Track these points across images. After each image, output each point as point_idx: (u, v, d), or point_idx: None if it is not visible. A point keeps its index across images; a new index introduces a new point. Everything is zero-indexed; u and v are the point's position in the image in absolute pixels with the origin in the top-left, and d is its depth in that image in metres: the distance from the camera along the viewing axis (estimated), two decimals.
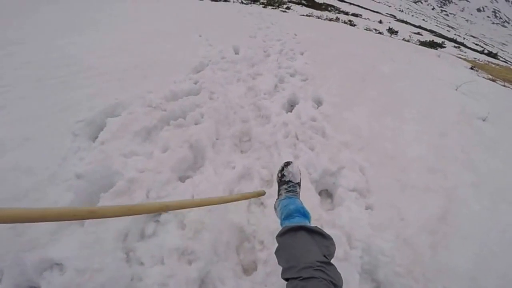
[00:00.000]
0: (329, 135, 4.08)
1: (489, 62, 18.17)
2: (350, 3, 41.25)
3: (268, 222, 2.74)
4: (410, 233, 2.86)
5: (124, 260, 2.28)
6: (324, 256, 1.70)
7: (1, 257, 2.15)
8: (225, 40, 7.41)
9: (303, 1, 25.85)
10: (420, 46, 15.10)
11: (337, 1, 38.59)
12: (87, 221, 2.48)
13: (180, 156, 3.30)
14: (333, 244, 1.89)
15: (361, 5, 45.38)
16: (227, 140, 3.85)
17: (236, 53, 6.84)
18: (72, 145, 3.19)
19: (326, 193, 3.44)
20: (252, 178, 3.35)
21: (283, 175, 2.56)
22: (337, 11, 25.86)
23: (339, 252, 2.54)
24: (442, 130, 4.63)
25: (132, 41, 6.51)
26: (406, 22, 38.54)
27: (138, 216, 2.57)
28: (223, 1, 17.35)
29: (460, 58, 14.54)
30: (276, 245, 1.99)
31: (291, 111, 4.60)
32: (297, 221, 2.05)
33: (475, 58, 18.00)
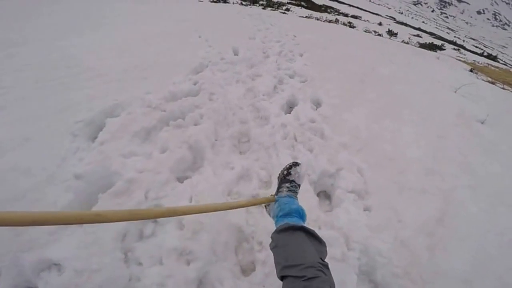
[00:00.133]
0: (327, 136, 4.09)
1: (488, 64, 18.15)
2: (350, 5, 41.27)
3: (267, 223, 2.73)
4: (408, 234, 2.87)
5: (122, 260, 2.28)
6: (321, 259, 1.71)
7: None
8: (224, 41, 7.43)
9: (302, 3, 25.81)
10: (419, 48, 15.10)
11: (337, 2, 38.62)
12: None
13: (179, 157, 3.31)
14: (326, 251, 1.89)
15: (360, 7, 45.44)
16: (226, 141, 3.86)
17: (236, 54, 6.85)
18: (71, 145, 3.20)
19: (324, 195, 3.44)
20: (250, 179, 3.36)
21: (289, 173, 2.55)
22: (336, 13, 25.84)
23: (337, 253, 2.56)
24: (440, 132, 4.64)
25: (132, 42, 6.53)
26: (406, 24, 38.53)
27: None
28: (223, 2, 17.38)
29: (459, 60, 14.52)
30: (271, 241, 1.99)
31: (290, 113, 4.62)
32: (294, 221, 2.04)
33: (474, 61, 18.01)
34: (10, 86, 4.16)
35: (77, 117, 3.58)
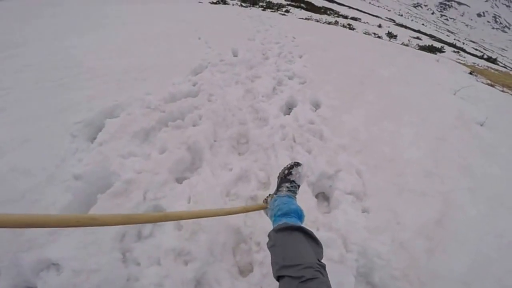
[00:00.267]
0: (326, 138, 4.10)
1: (488, 67, 18.15)
2: (350, 7, 41.37)
3: (265, 224, 2.73)
4: (407, 237, 2.86)
5: (120, 261, 2.28)
6: (318, 260, 1.70)
7: None
8: (224, 42, 7.45)
9: (302, 5, 25.88)
10: (419, 51, 15.12)
11: (336, 4, 38.71)
12: None
13: (178, 158, 3.31)
14: (322, 253, 1.88)
15: (360, 9, 45.53)
16: (224, 142, 3.86)
17: (235, 55, 6.87)
18: (70, 146, 3.20)
19: (322, 196, 3.44)
20: (249, 180, 3.36)
21: (290, 173, 2.55)
22: (336, 15, 25.91)
23: (334, 254, 2.56)
24: (440, 135, 4.64)
25: (132, 43, 6.55)
26: (406, 27, 38.58)
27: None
28: (222, 4, 17.41)
29: (459, 63, 14.53)
30: (268, 240, 1.99)
31: (289, 114, 4.62)
32: (293, 221, 2.03)
33: (474, 63, 18.00)
34: (10, 87, 4.17)
35: (77, 118, 3.58)
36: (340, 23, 19.00)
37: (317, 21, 17.25)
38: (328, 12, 26.41)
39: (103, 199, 2.68)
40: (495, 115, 5.85)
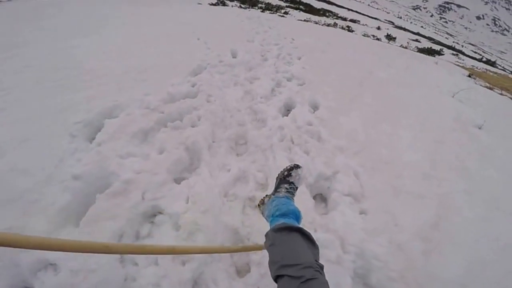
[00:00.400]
0: (324, 139, 4.11)
1: (487, 70, 18.19)
2: (349, 9, 41.32)
3: (262, 225, 2.72)
4: (404, 238, 2.87)
5: (118, 261, 2.28)
6: (316, 261, 1.71)
7: None
8: (223, 43, 7.45)
9: (301, 7, 25.87)
10: (418, 53, 15.13)
11: (335, 6, 38.65)
12: (82, 221, 2.50)
13: (176, 158, 3.33)
14: (319, 254, 1.88)
15: (359, 11, 45.49)
16: (223, 143, 3.87)
17: (234, 57, 6.87)
18: (69, 146, 3.20)
19: (320, 197, 3.46)
20: (247, 181, 3.37)
21: (289, 174, 2.55)
22: (335, 17, 25.87)
23: (332, 255, 2.57)
24: (437, 137, 4.66)
25: (132, 44, 6.55)
26: (405, 29, 38.60)
27: (133, 216, 2.61)
28: (222, 5, 17.42)
29: (458, 65, 14.56)
30: (266, 239, 1.99)
31: (287, 115, 4.63)
32: (291, 222, 2.04)
33: (473, 66, 18.04)
34: (10, 87, 4.18)
35: (76, 118, 3.59)
36: (339, 25, 18.99)
37: (316, 23, 17.26)
38: (327, 14, 26.38)
39: (101, 199, 2.68)
40: (493, 118, 5.87)
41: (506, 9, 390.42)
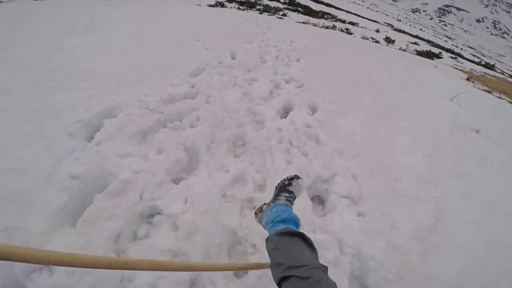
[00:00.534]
0: (323, 142, 4.12)
1: (485, 73, 18.21)
2: (348, 12, 41.36)
3: (260, 226, 2.75)
4: (401, 240, 2.89)
5: None
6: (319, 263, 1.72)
7: None
8: (222, 45, 7.46)
9: (299, 9, 25.96)
10: (416, 56, 15.17)
11: (334, 9, 38.69)
12: (79, 221, 2.50)
13: (175, 158, 3.33)
14: (318, 258, 1.90)
15: (358, 13, 45.54)
16: (222, 144, 3.88)
17: (233, 58, 6.88)
18: (68, 145, 3.20)
19: (318, 199, 3.47)
20: (245, 182, 3.38)
21: (290, 184, 2.58)
22: (334, 19, 25.92)
23: (330, 256, 2.58)
24: (435, 141, 4.67)
25: (131, 45, 6.56)
26: (404, 32, 38.65)
27: (131, 217, 2.61)
28: (220, 7, 17.46)
29: (456, 68, 14.58)
30: (268, 243, 1.99)
31: (285, 117, 4.64)
32: (292, 228, 2.05)
33: (471, 69, 18.05)
34: (9, 87, 4.18)
35: (75, 118, 3.59)
36: (338, 28, 19.05)
37: (315, 25, 17.29)
38: (326, 17, 26.42)
39: (99, 199, 2.68)
40: (491, 122, 5.89)
41: (507, 12, 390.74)
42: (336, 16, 29.16)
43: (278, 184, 2.68)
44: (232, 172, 3.42)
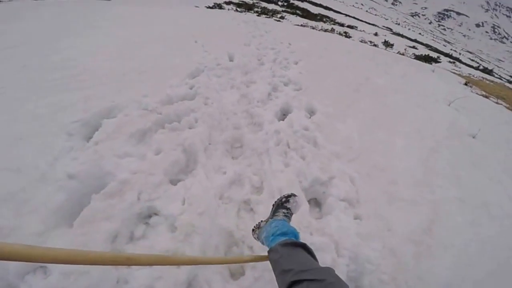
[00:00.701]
0: (320, 144, 4.13)
1: (483, 78, 18.23)
2: (346, 15, 41.33)
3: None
4: (396, 243, 2.92)
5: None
6: None
7: None
8: (220, 47, 7.48)
9: (297, 11, 25.91)
10: (415, 60, 15.16)
11: (333, 12, 38.68)
12: (76, 222, 2.50)
13: (173, 159, 3.34)
14: None
15: (357, 17, 45.53)
16: (219, 146, 3.89)
17: (231, 60, 6.90)
18: (65, 144, 3.20)
19: (314, 202, 3.48)
20: (242, 184, 3.39)
21: (287, 201, 2.63)
22: (332, 22, 25.84)
23: (327, 258, 2.60)
24: (432, 145, 4.69)
25: (130, 45, 6.56)
26: (402, 36, 38.66)
27: (128, 217, 2.61)
28: (218, 8, 17.48)
29: (454, 73, 14.60)
30: (271, 254, 1.99)
31: (283, 120, 4.66)
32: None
33: (469, 74, 18.07)
34: (6, 86, 4.17)
35: (74, 117, 3.59)
36: (336, 31, 19.00)
37: (313, 28, 17.27)
38: (324, 20, 26.35)
39: (97, 199, 2.68)
40: (487, 127, 5.92)
41: (507, 16, 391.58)
42: (335, 19, 29.10)
43: (275, 201, 2.72)
44: (229, 174, 3.43)
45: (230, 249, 2.75)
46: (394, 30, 47.02)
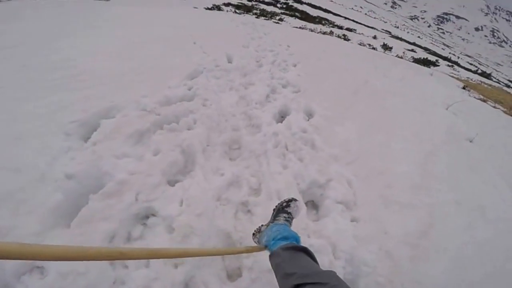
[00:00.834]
0: (318, 147, 4.14)
1: (481, 82, 18.31)
2: (345, 18, 41.38)
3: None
4: (393, 245, 2.92)
5: (108, 263, 2.28)
6: None
7: None
8: (219, 48, 7.46)
9: (296, 14, 25.96)
10: (413, 63, 15.20)
11: (332, 15, 38.70)
12: (74, 222, 2.50)
13: (171, 160, 3.34)
14: None
15: (356, 20, 45.57)
16: (217, 147, 3.89)
17: (230, 62, 6.89)
18: (63, 144, 3.19)
19: (312, 204, 3.49)
20: (240, 185, 3.39)
21: (288, 205, 2.64)
22: (331, 25, 25.86)
23: (324, 261, 2.61)
24: (429, 149, 4.69)
25: (129, 46, 6.55)
26: (401, 39, 38.73)
27: (126, 218, 2.61)
28: (217, 10, 17.51)
29: (453, 77, 14.64)
30: (273, 258, 2.01)
31: (281, 122, 4.66)
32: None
33: (468, 78, 18.12)
34: (6, 86, 4.16)
35: (72, 117, 3.58)
36: (335, 34, 19.02)
37: (312, 31, 17.28)
38: (323, 22, 26.37)
39: (95, 199, 2.68)
40: (485, 132, 5.93)
41: (507, 20, 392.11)
42: (334, 22, 29.14)
43: (276, 206, 2.73)
44: (227, 175, 3.43)
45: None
46: (393, 33, 47.13)
